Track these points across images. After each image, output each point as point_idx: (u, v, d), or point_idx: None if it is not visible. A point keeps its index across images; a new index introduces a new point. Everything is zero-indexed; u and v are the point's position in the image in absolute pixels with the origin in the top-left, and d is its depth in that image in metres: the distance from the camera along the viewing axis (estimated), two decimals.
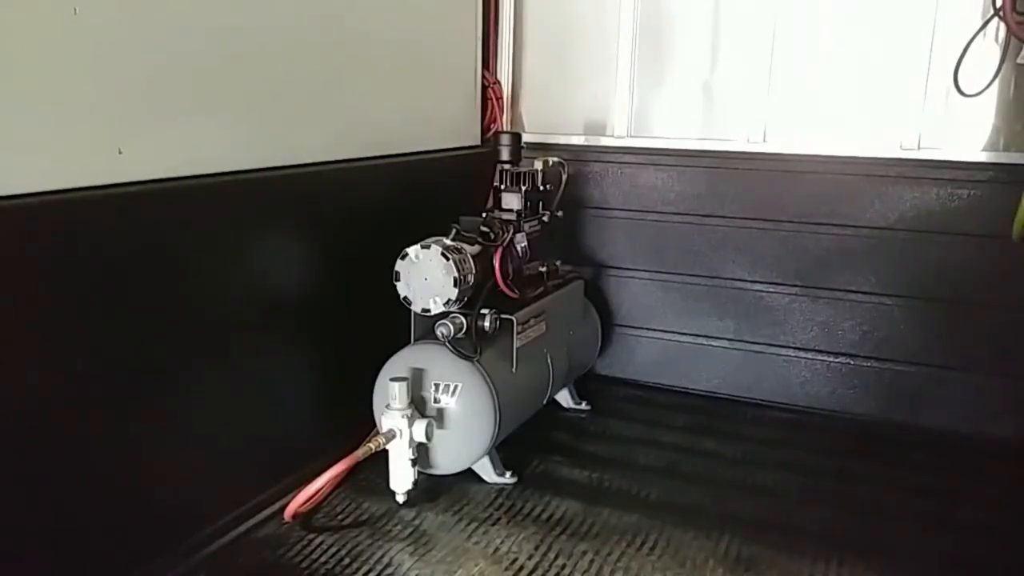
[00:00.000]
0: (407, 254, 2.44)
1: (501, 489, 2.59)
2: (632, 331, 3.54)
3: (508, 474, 2.63)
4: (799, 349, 3.28)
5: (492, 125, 3.57)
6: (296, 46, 2.44)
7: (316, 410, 2.65)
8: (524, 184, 2.80)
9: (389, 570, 2.15)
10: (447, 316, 2.46)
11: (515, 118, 3.69)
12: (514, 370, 2.60)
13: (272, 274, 2.42)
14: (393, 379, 2.39)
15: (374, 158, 2.80)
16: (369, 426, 2.50)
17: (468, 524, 2.38)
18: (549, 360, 2.85)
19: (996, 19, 2.71)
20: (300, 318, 2.52)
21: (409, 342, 2.57)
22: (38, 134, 1.73)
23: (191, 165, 2.09)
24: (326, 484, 2.39)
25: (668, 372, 3.49)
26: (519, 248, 2.73)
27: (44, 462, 1.78)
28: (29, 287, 1.71)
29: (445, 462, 2.54)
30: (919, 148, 3.05)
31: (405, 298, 2.47)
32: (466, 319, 2.47)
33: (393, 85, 2.94)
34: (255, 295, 2.35)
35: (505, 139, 2.96)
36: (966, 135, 3.01)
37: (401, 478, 2.42)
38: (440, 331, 2.43)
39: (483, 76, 3.53)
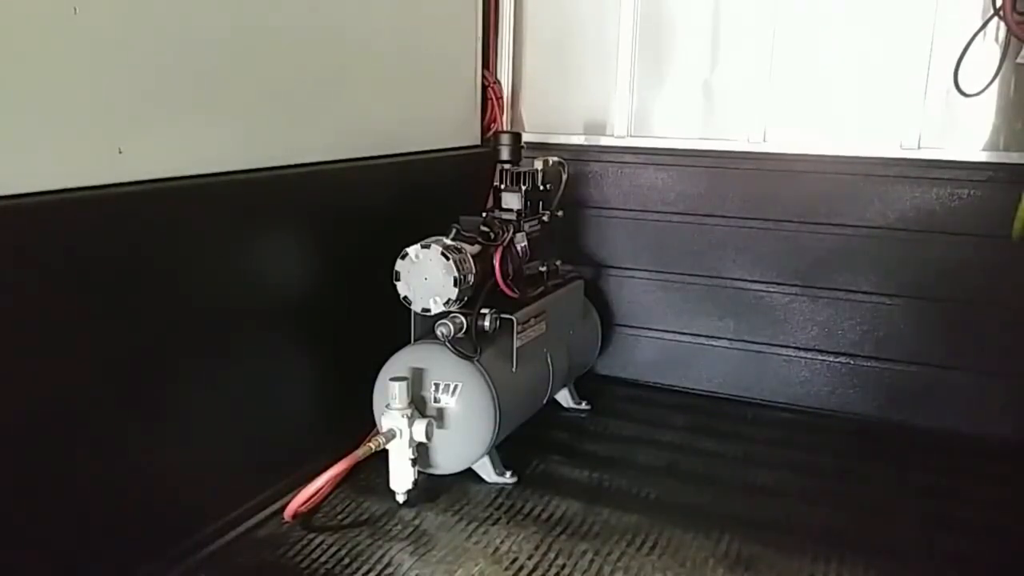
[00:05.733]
0: (407, 254, 2.44)
1: (501, 489, 2.59)
2: (632, 331, 3.54)
3: (508, 474, 2.63)
4: (799, 349, 3.28)
5: (492, 125, 3.57)
6: (296, 46, 2.44)
7: (316, 410, 2.65)
8: (524, 184, 2.80)
9: (389, 570, 2.15)
10: (447, 316, 2.46)
11: (515, 118, 3.69)
12: (514, 370, 2.60)
13: (272, 274, 2.42)
14: (393, 379, 2.39)
15: (374, 158, 2.80)
16: (369, 426, 2.50)
17: (468, 524, 2.38)
18: (549, 360, 2.85)
19: (996, 19, 2.72)
20: (300, 318, 2.52)
21: (409, 342, 2.57)
22: (38, 134, 1.73)
23: (191, 165, 2.09)
24: (326, 484, 2.39)
25: (668, 372, 3.49)
26: (519, 248, 2.73)
27: (43, 462, 1.78)
28: (29, 287, 1.71)
29: (445, 462, 2.54)
30: (919, 148, 3.05)
31: (405, 298, 2.47)
32: (466, 319, 2.47)
33: (393, 85, 2.94)
34: (255, 295, 2.35)
35: (505, 139, 2.96)
36: (966, 135, 3.01)
37: (401, 478, 2.42)
38: (440, 331, 2.43)
39: (483, 76, 3.53)
